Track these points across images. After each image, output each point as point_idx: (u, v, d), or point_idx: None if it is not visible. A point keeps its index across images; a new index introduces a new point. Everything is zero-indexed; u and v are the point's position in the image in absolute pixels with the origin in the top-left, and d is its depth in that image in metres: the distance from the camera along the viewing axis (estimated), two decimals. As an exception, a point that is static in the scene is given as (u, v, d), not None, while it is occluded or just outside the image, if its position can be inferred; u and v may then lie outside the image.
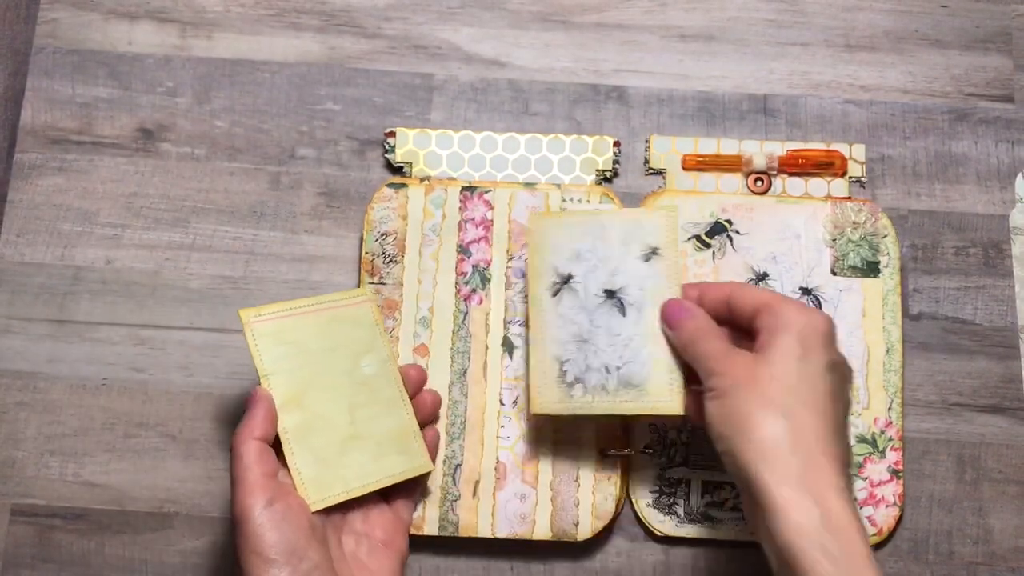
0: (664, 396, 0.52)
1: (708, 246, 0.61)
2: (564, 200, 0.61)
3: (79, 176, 0.63)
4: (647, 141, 0.64)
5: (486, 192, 0.61)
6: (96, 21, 0.65)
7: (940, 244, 0.62)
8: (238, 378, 0.60)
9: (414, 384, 0.55)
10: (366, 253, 0.60)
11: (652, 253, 0.53)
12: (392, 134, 0.63)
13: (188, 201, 0.63)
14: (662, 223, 0.54)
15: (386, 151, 0.62)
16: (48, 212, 0.62)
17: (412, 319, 0.59)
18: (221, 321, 0.61)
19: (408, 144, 0.62)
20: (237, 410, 0.60)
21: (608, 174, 0.62)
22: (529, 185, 0.61)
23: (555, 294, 0.54)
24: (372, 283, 0.59)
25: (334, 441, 0.51)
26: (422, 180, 0.61)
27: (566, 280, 0.54)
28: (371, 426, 0.53)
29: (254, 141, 0.64)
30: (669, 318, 0.51)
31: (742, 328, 0.51)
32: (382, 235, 0.60)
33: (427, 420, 0.56)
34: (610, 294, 0.53)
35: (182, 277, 0.62)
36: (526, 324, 0.57)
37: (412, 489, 0.55)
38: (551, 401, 0.54)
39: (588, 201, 0.61)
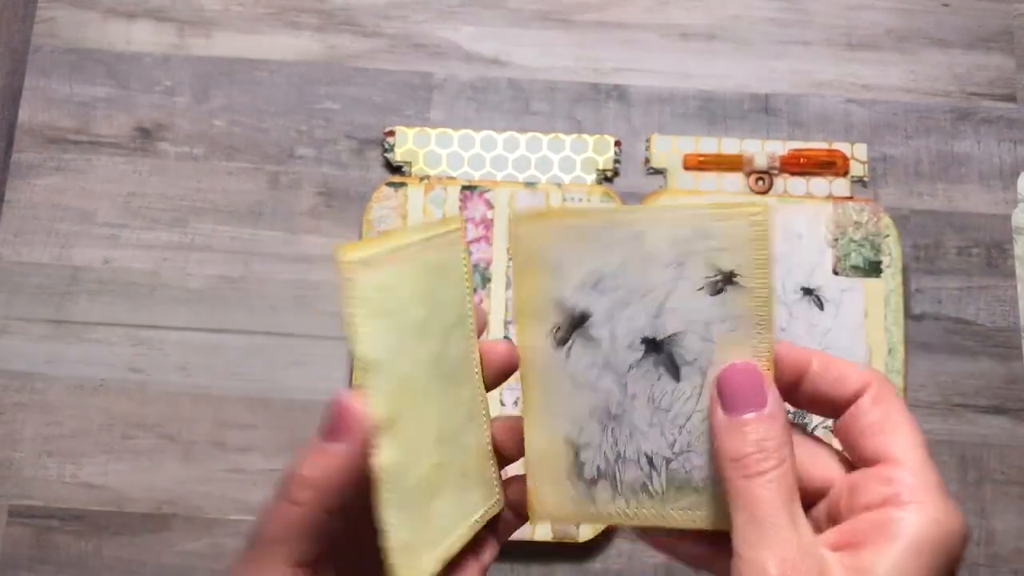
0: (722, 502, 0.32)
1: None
2: (565, 200, 0.61)
3: (77, 176, 0.63)
4: (648, 140, 0.63)
5: (486, 191, 0.61)
6: (94, 20, 0.65)
7: (942, 244, 0.62)
8: (237, 379, 0.60)
9: (498, 371, 0.35)
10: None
11: (726, 281, 0.32)
12: (392, 133, 0.62)
13: (186, 201, 0.62)
14: (742, 232, 0.32)
15: (386, 150, 0.62)
16: (46, 212, 0.62)
17: None
18: (220, 321, 0.61)
19: (408, 143, 0.62)
20: (237, 410, 0.59)
21: (609, 174, 0.62)
22: (529, 184, 0.61)
23: (562, 343, 0.34)
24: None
25: (423, 477, 0.32)
26: (421, 179, 0.61)
27: (580, 321, 0.34)
28: (455, 446, 0.34)
29: (253, 140, 0.63)
30: (730, 394, 0.30)
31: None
32: (379, 234, 0.60)
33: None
34: (653, 345, 0.34)
35: (180, 277, 0.61)
36: (522, 385, 0.35)
37: (495, 521, 0.36)
38: (561, 504, 0.35)
39: (588, 201, 0.61)
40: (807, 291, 0.60)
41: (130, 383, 0.60)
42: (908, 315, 0.61)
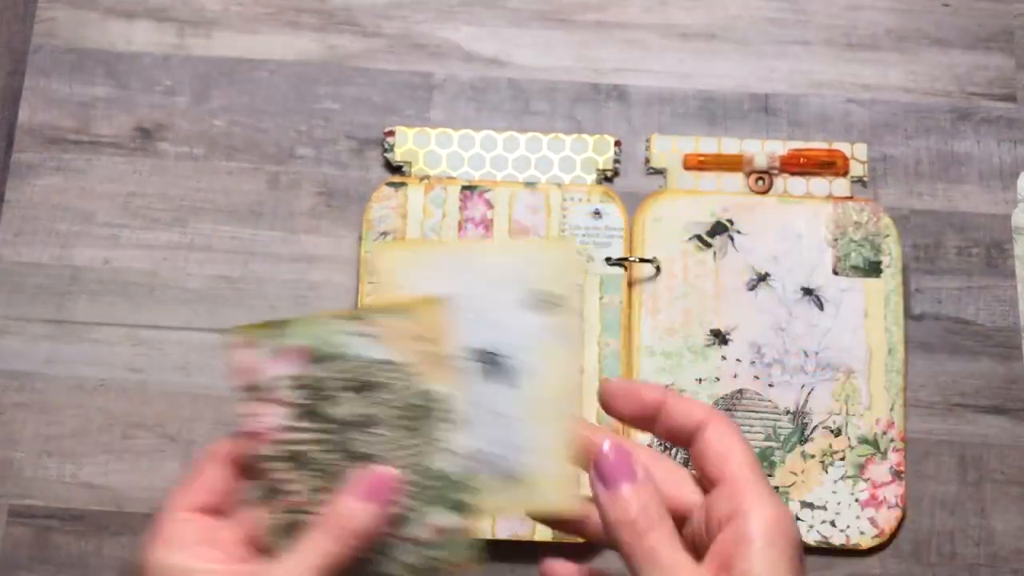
0: (551, 491, 0.38)
1: (709, 246, 0.61)
2: (565, 200, 0.61)
3: (77, 176, 0.63)
4: (648, 140, 0.63)
5: (486, 191, 0.61)
6: (94, 20, 0.65)
7: (942, 244, 0.62)
8: (237, 379, 0.60)
9: None
10: (366, 252, 0.60)
11: (549, 303, 0.39)
12: (392, 133, 0.62)
13: (186, 201, 0.62)
14: (558, 260, 0.39)
15: (385, 150, 0.62)
16: (46, 212, 0.62)
17: None
18: (220, 321, 0.61)
19: (408, 143, 0.62)
20: (234, 411, 0.59)
21: (609, 174, 0.62)
22: (530, 184, 0.61)
23: None
24: (373, 283, 0.59)
25: None
26: (422, 179, 0.61)
27: None
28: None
29: (252, 140, 0.63)
30: (607, 473, 0.35)
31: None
32: (381, 234, 0.60)
33: None
34: (491, 357, 0.39)
35: (180, 277, 0.61)
36: None
37: None
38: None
39: (589, 201, 0.61)
40: (807, 291, 0.60)
41: (130, 383, 0.60)
42: (908, 315, 0.61)
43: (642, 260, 0.60)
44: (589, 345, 0.59)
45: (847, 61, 0.65)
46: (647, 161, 0.63)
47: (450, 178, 0.61)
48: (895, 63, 0.65)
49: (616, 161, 0.62)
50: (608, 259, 0.60)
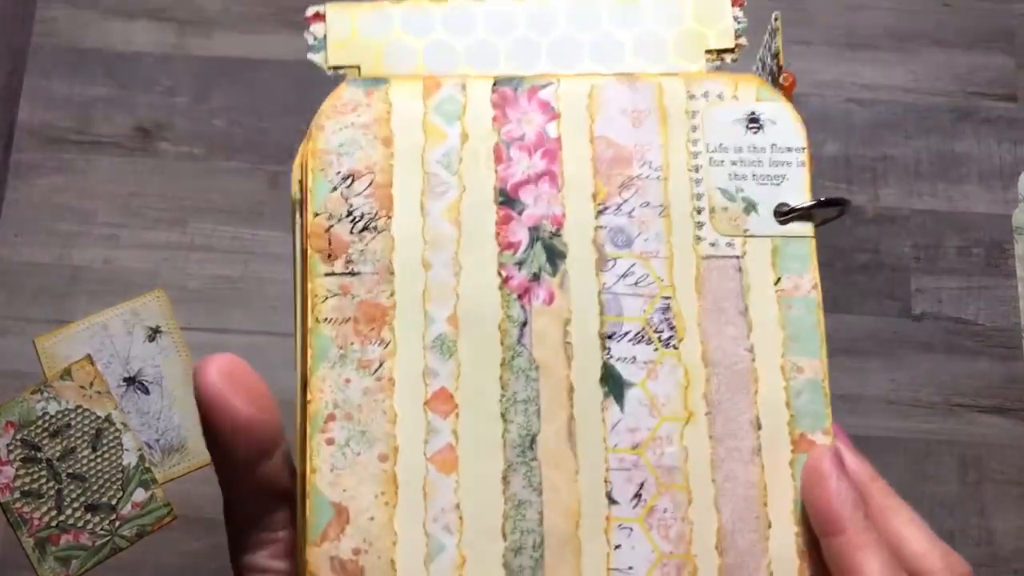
0: (204, 446, 0.49)
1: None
2: (692, 97, 0.32)
3: (77, 176, 0.63)
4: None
5: (544, 87, 0.31)
6: (94, 20, 0.65)
7: (942, 244, 0.62)
8: (237, 379, 0.60)
9: None
10: (315, 215, 0.29)
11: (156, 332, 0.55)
12: (318, 17, 0.32)
13: (186, 201, 0.62)
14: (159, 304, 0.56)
15: (310, 47, 0.31)
16: (46, 212, 0.62)
17: (418, 342, 0.29)
18: (220, 321, 0.61)
19: (349, 31, 0.33)
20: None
21: (728, 57, 0.34)
22: (626, 75, 0.32)
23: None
24: (332, 274, 0.29)
25: None
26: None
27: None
28: None
29: (253, 140, 0.63)
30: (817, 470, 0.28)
31: None
32: (344, 179, 0.30)
33: None
34: (130, 380, 0.57)
35: (180, 277, 0.61)
36: None
37: None
38: None
39: (736, 98, 0.33)
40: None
41: (130, 383, 0.60)
42: (909, 315, 0.61)
43: (829, 202, 0.31)
44: (764, 373, 0.29)
45: (847, 61, 0.65)
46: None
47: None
48: (895, 63, 0.65)
49: (739, 32, 0.33)
50: (783, 209, 0.31)
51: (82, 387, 0.57)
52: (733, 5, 0.34)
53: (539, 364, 0.29)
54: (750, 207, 0.31)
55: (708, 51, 0.34)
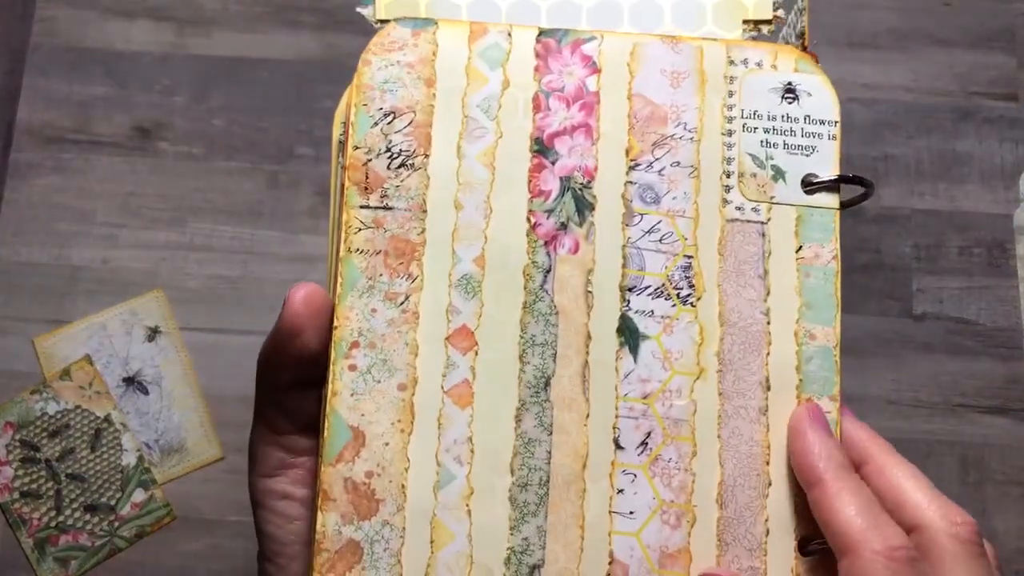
0: (204, 447, 0.57)
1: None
2: (732, 63, 0.32)
3: (76, 175, 0.63)
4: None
5: (587, 41, 0.32)
6: (93, 19, 0.65)
7: (944, 244, 0.62)
8: (237, 379, 0.60)
9: None
10: (355, 148, 0.32)
11: (155, 333, 0.56)
12: None
13: (185, 200, 0.62)
14: (158, 304, 0.59)
15: (360, 1, 0.34)
16: (45, 211, 0.62)
17: (444, 280, 0.30)
18: (219, 321, 0.60)
19: None
20: (236, 410, 0.59)
21: (765, 28, 0.34)
22: (669, 36, 0.32)
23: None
24: (367, 207, 0.31)
25: None
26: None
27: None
28: None
29: (252, 140, 0.63)
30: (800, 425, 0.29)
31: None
32: (386, 115, 0.32)
33: None
34: (129, 381, 0.58)
35: (179, 277, 0.61)
36: None
37: None
38: None
39: (775, 67, 0.32)
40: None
41: (129, 383, 0.60)
42: (910, 315, 0.61)
43: (856, 179, 0.33)
44: (777, 337, 0.31)
45: (848, 60, 0.65)
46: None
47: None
48: (896, 62, 0.65)
49: (776, 4, 0.34)
50: (811, 180, 0.33)
51: (81, 387, 0.57)
52: None
53: (559, 310, 0.30)
54: (778, 175, 0.32)
55: (745, 20, 0.34)
